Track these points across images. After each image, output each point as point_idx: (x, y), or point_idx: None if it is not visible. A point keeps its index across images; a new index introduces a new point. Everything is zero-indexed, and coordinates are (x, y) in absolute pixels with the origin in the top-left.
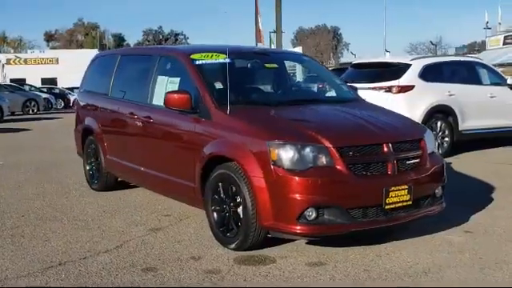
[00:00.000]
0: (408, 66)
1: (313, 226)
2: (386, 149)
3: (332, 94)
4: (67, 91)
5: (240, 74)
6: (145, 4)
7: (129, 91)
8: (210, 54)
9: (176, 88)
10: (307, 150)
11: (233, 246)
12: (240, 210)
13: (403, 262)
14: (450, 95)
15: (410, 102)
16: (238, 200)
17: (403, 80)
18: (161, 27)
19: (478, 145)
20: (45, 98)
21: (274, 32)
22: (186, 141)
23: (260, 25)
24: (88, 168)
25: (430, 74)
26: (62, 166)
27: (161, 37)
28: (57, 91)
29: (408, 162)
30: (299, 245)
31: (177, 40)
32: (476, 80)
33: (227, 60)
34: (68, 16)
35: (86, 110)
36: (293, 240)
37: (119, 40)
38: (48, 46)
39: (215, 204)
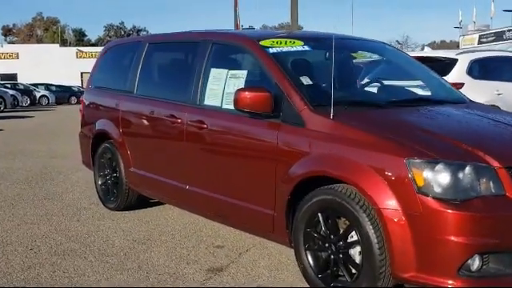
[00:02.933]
0: (454, 61)
1: (476, 279)
2: None
3: (427, 92)
4: (32, 87)
5: (326, 65)
6: None
7: (165, 88)
8: (282, 41)
9: (241, 84)
10: (468, 171)
11: None
12: (355, 252)
13: None
14: (499, 94)
15: None
16: (351, 238)
17: (452, 77)
18: (123, 23)
19: None
20: (11, 95)
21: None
22: (260, 154)
23: (239, 19)
24: (100, 182)
25: (477, 70)
26: (56, 175)
27: (123, 32)
28: (21, 87)
29: None
30: None
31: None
32: None
33: (306, 48)
34: (26, 10)
35: (98, 111)
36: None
37: (80, 35)
38: (6, 40)
39: (310, 241)
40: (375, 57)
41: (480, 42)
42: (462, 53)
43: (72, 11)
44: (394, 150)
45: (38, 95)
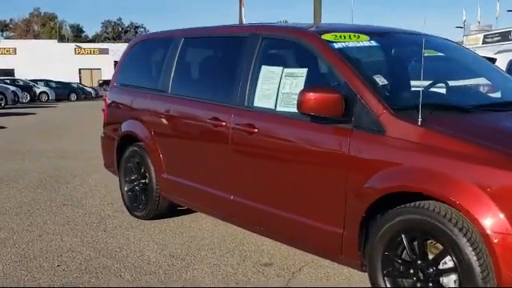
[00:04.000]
0: (493, 60)
1: None
2: None
3: (497, 94)
4: (32, 83)
5: (398, 64)
6: None
7: (204, 88)
8: (345, 35)
9: (300, 84)
10: None
11: None
12: (449, 280)
13: None
14: None
15: None
16: (445, 265)
17: None
18: (120, 19)
19: None
20: (12, 91)
21: None
22: (326, 164)
23: (243, 17)
24: (127, 188)
25: None
26: (71, 178)
27: (120, 29)
28: (20, 83)
29: None
30: None
31: (137, 33)
32: None
33: (373, 43)
34: (24, 5)
35: (124, 111)
36: None
37: (77, 31)
38: (2, 35)
39: (390, 266)
40: (440, 54)
41: (484, 42)
42: (500, 52)
43: (69, 7)
44: (503, 163)
45: (37, 91)
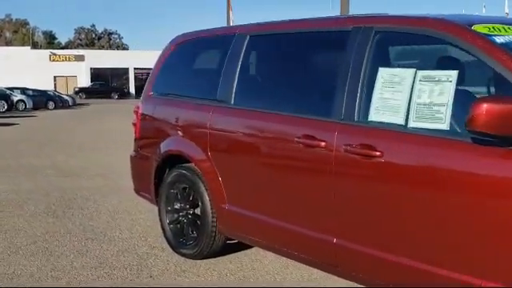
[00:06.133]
0: None
1: None
2: None
3: None
4: (8, 91)
5: None
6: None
7: (286, 98)
8: (496, 27)
9: (448, 91)
10: None
11: None
12: None
13: None
14: None
15: None
16: None
17: None
18: (94, 25)
19: None
20: None
21: None
22: (503, 203)
23: (232, 22)
24: (169, 220)
25: None
26: (83, 202)
27: (94, 35)
28: None
29: None
30: None
31: (110, 40)
32: None
33: None
34: None
35: (165, 125)
36: None
37: (50, 38)
38: None
39: None
40: None
41: None
42: None
43: (41, 13)
44: None
45: (15, 100)
